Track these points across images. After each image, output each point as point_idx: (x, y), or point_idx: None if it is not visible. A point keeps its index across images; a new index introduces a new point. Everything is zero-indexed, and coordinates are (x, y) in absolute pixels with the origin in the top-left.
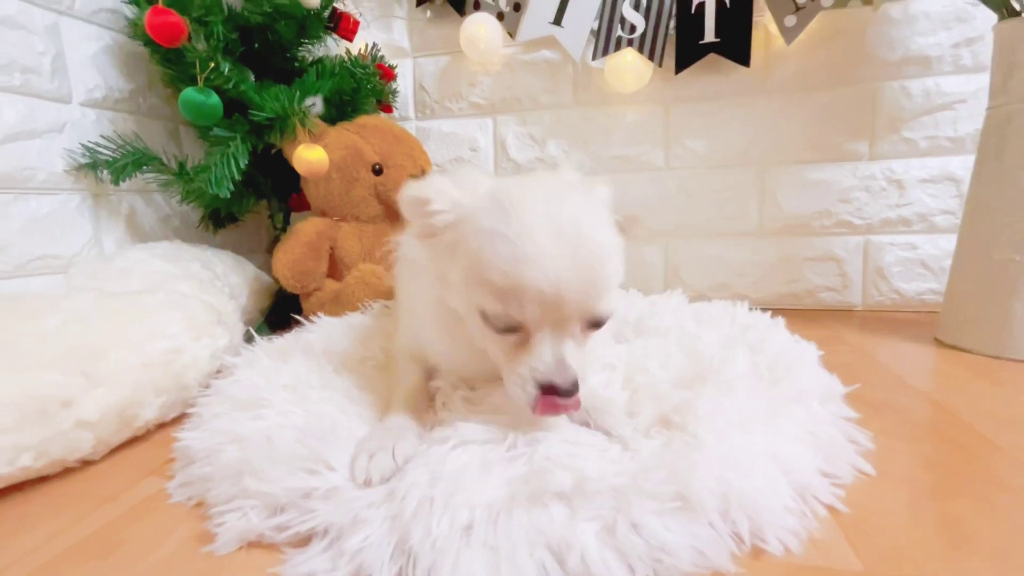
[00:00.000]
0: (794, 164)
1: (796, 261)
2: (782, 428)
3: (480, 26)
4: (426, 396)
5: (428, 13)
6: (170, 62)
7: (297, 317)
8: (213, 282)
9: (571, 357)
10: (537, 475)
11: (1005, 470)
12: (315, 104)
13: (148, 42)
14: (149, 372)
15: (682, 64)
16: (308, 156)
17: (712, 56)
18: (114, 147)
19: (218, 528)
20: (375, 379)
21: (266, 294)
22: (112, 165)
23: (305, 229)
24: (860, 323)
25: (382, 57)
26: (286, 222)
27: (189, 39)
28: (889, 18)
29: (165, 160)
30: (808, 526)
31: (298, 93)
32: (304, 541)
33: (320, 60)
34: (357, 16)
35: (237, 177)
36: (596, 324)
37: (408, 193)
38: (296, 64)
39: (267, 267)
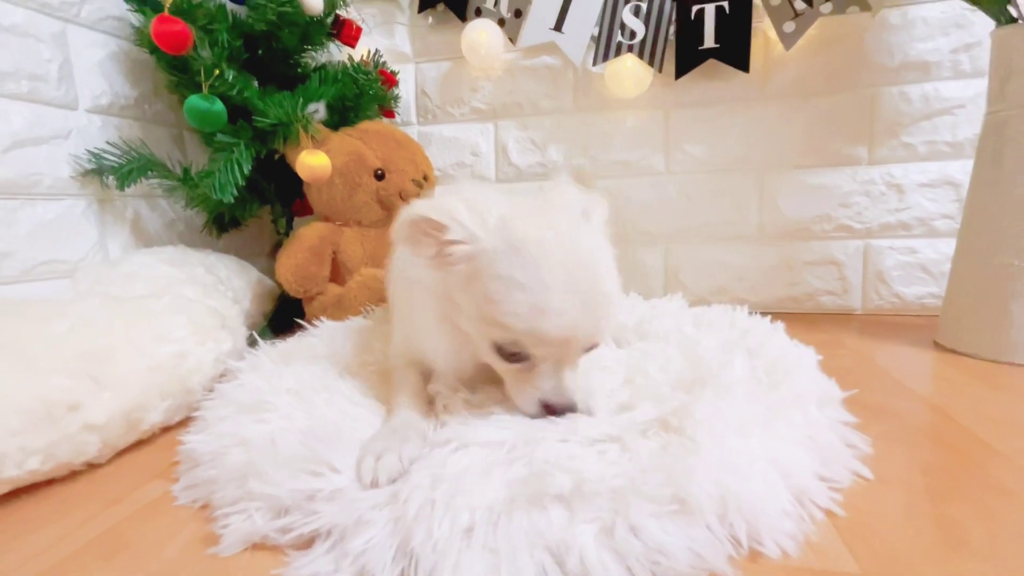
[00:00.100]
0: (794, 169)
1: (796, 265)
2: (780, 432)
3: (481, 32)
4: (426, 397)
5: (430, 19)
6: (175, 69)
7: (300, 321)
8: (217, 286)
9: (569, 380)
10: (537, 477)
11: (1004, 474)
12: (318, 110)
13: (154, 49)
14: (155, 376)
15: (682, 70)
16: (311, 162)
17: (712, 62)
18: (119, 153)
19: (223, 530)
20: (377, 383)
21: (269, 298)
22: (117, 171)
23: (308, 234)
24: (860, 327)
25: (384, 63)
26: (289, 227)
27: (194, 47)
28: (888, 24)
29: (170, 166)
30: (805, 530)
31: (301, 99)
32: (307, 543)
33: (323, 66)
34: (359, 23)
35: (241, 182)
36: (595, 347)
37: (419, 214)
38: (299, 70)
39: (270, 271)
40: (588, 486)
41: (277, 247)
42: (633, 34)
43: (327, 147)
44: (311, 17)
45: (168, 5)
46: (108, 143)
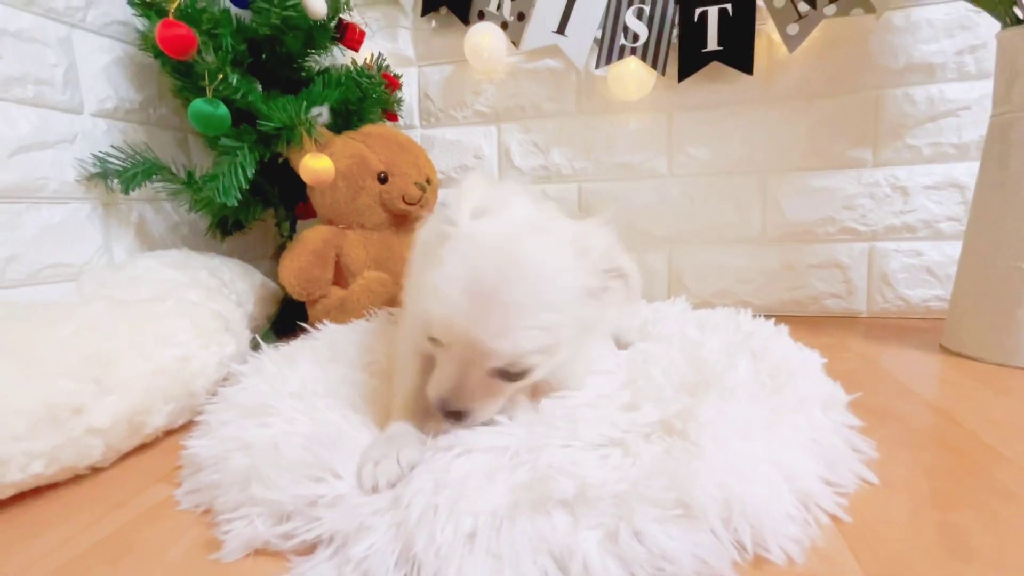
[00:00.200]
0: (797, 171)
1: (800, 268)
2: (784, 436)
3: (484, 35)
4: (424, 403)
5: (433, 23)
6: (180, 74)
7: (303, 324)
8: (221, 289)
9: (470, 390)
10: (540, 482)
11: (1010, 480)
12: (322, 114)
13: (158, 54)
14: (159, 379)
15: (685, 72)
16: (314, 165)
17: (715, 64)
18: (124, 157)
19: (225, 535)
20: (380, 387)
21: (272, 301)
22: (122, 175)
23: (311, 237)
24: (865, 330)
25: (387, 66)
26: (292, 230)
27: (199, 51)
28: (892, 26)
29: (174, 169)
30: (810, 534)
31: (305, 103)
32: (310, 549)
33: (326, 70)
34: (363, 26)
35: (245, 186)
36: (506, 375)
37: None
38: (303, 74)
39: (274, 274)
40: (591, 491)
41: (280, 250)
42: (636, 37)
43: (330, 150)
44: (315, 21)
45: (172, 10)
46: (113, 147)
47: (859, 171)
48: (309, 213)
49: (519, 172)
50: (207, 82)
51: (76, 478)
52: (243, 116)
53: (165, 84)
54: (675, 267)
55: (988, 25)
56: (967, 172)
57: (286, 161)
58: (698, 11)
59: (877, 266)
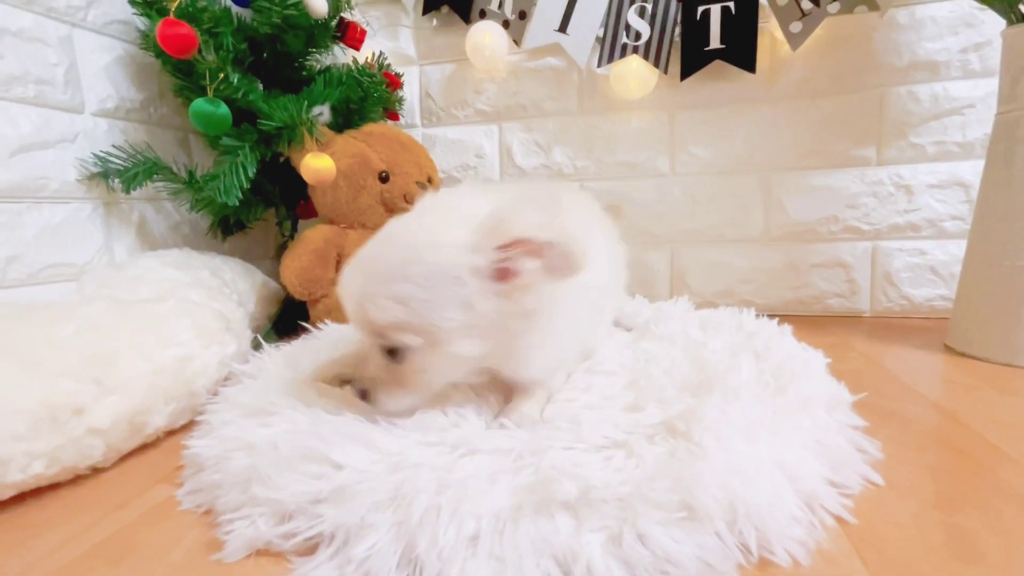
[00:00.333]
0: (800, 170)
1: (803, 267)
2: (788, 436)
3: (486, 34)
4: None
5: (434, 22)
6: (181, 73)
7: (304, 324)
8: (222, 289)
9: (372, 370)
10: (543, 484)
11: (1015, 481)
12: (323, 113)
13: (159, 53)
14: (160, 379)
15: (687, 71)
16: (315, 164)
17: (717, 63)
18: (125, 156)
19: (226, 536)
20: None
21: (274, 301)
22: (123, 174)
23: (312, 236)
24: (868, 330)
25: (389, 65)
26: (294, 229)
27: (199, 50)
28: (896, 23)
29: (175, 169)
30: (815, 536)
31: (306, 102)
32: (311, 549)
33: (327, 69)
34: (364, 25)
35: (246, 185)
36: (390, 350)
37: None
38: (304, 73)
39: (275, 274)
40: (595, 493)
41: (282, 250)
42: (638, 35)
43: (331, 150)
44: (316, 20)
45: (173, 9)
46: (114, 146)
47: (863, 170)
48: (310, 212)
49: (521, 171)
50: (208, 81)
51: (77, 478)
52: (244, 115)
53: (166, 83)
54: (677, 266)
55: (993, 22)
56: (971, 171)
57: (287, 160)
58: (700, 9)
59: (880, 265)
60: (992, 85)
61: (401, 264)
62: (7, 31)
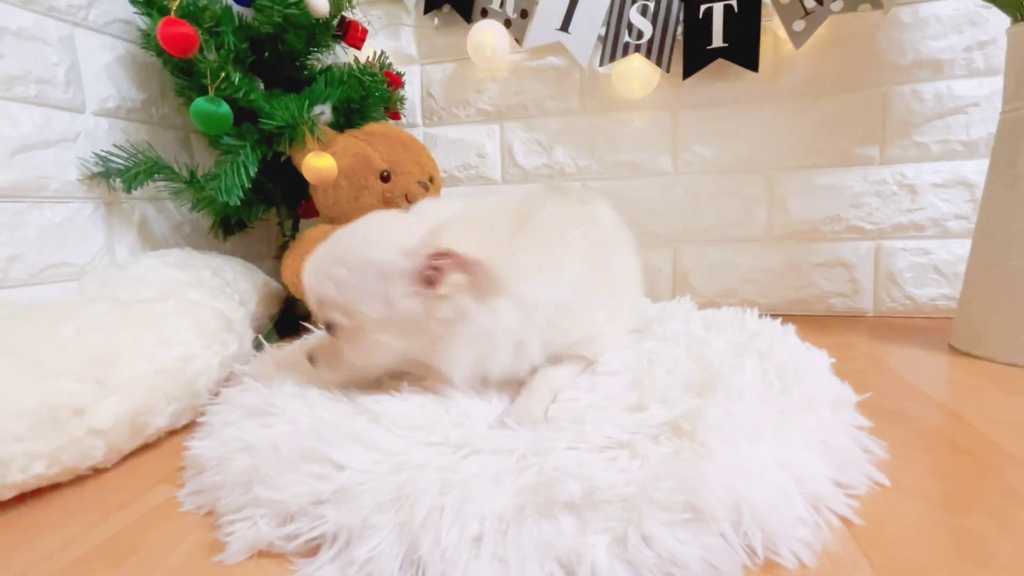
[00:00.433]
0: (803, 169)
1: (806, 267)
2: (792, 437)
3: (487, 33)
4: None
5: (435, 21)
6: (182, 72)
7: (306, 324)
8: (223, 289)
9: (319, 342)
10: (547, 485)
11: (1022, 482)
12: (324, 112)
13: (160, 53)
14: (161, 380)
15: (690, 69)
16: (317, 164)
17: (720, 61)
18: (126, 156)
19: (228, 537)
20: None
21: (275, 300)
22: (124, 174)
23: (314, 236)
24: (872, 330)
25: (390, 64)
26: (295, 229)
27: (200, 50)
28: (899, 22)
29: (176, 169)
30: (821, 537)
31: (307, 102)
32: (313, 550)
33: (329, 68)
34: (365, 24)
35: (247, 185)
36: (328, 325)
37: None
38: (305, 73)
39: (276, 273)
40: (599, 494)
41: (283, 249)
42: (640, 34)
43: (333, 149)
44: (317, 19)
45: (174, 8)
46: (115, 146)
47: (866, 169)
48: (312, 212)
49: (522, 171)
50: (209, 81)
51: (78, 479)
52: (245, 115)
53: (167, 83)
54: (680, 266)
55: (997, 21)
56: (976, 170)
57: (288, 160)
58: (703, 7)
59: (884, 265)
60: (997, 84)
61: (343, 251)
62: (7, 30)
